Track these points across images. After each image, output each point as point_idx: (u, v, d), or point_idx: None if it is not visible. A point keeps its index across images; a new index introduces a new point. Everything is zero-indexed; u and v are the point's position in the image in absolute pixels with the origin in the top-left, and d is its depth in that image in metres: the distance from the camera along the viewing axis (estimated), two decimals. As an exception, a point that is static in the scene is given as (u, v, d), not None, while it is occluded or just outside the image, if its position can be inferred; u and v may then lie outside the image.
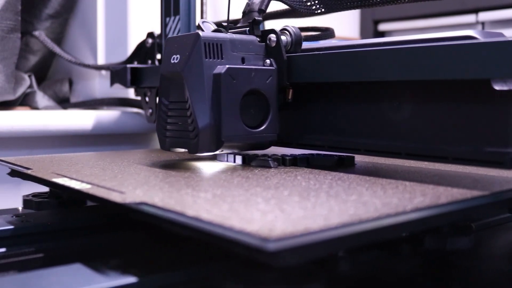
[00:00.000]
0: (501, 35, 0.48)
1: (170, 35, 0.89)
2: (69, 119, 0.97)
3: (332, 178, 0.51)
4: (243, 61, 0.58)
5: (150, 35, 0.94)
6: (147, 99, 0.94)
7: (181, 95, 0.57)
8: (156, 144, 1.07)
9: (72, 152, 0.89)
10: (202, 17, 0.90)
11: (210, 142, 0.56)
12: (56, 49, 1.07)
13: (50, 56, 1.15)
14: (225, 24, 0.61)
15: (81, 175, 0.53)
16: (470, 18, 1.43)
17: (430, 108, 0.51)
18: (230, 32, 0.60)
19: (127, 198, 0.42)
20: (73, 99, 1.14)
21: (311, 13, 0.62)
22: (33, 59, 1.11)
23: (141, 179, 0.51)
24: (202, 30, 0.60)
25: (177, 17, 0.89)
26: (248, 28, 0.61)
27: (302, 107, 0.61)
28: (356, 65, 0.53)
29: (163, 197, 0.42)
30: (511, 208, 0.53)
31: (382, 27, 1.59)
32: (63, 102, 1.13)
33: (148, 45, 0.95)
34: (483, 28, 1.41)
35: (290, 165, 0.59)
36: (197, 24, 0.89)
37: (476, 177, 0.52)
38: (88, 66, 1.05)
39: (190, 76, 0.56)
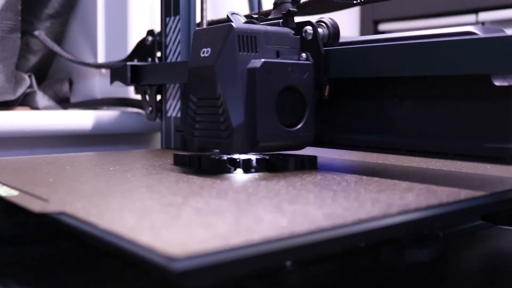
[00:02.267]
0: (501, 31, 0.48)
1: (170, 35, 0.88)
2: (69, 119, 0.96)
3: (284, 183, 0.47)
4: (278, 55, 0.55)
5: (150, 32, 0.93)
6: (147, 97, 0.92)
7: (213, 91, 0.53)
8: (156, 144, 1.07)
9: (72, 152, 0.89)
10: (202, 17, 0.88)
11: (244, 142, 0.52)
12: (56, 48, 1.05)
13: (50, 56, 1.13)
14: (256, 15, 0.57)
15: (19, 180, 0.50)
16: (470, 18, 1.44)
17: (430, 104, 0.51)
18: (262, 24, 0.56)
19: (49, 206, 0.38)
20: (73, 99, 1.13)
21: (349, 4, 0.58)
22: (33, 59, 1.10)
23: (78, 185, 0.48)
24: (232, 22, 0.56)
25: (177, 17, 0.88)
26: (281, 20, 0.57)
27: (339, 105, 0.59)
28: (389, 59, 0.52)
29: (88, 205, 0.39)
30: (483, 215, 0.53)
31: (382, 27, 1.58)
32: (63, 102, 1.11)
33: (148, 43, 0.93)
34: (483, 28, 1.41)
35: (247, 169, 0.54)
36: (200, 20, 0.87)
37: (443, 180, 0.49)
38: (88, 65, 1.04)
39: (222, 71, 0.52)
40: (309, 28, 0.56)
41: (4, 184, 0.48)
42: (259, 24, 0.56)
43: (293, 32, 0.57)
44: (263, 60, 0.52)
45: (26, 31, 1.05)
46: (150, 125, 1.00)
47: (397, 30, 1.56)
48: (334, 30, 0.56)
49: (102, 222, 0.34)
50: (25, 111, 0.95)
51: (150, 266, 0.27)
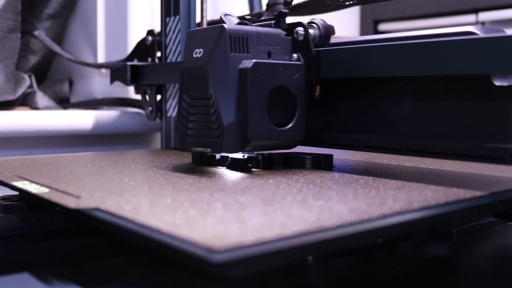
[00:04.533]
0: (501, 31, 0.48)
1: (170, 35, 0.89)
2: (69, 119, 0.96)
3: (304, 181, 0.49)
4: (269, 55, 0.55)
5: (150, 32, 0.93)
6: (147, 97, 0.93)
7: (205, 91, 0.54)
8: (156, 144, 1.07)
9: (72, 152, 0.88)
10: (202, 17, 0.89)
11: (235, 141, 0.53)
12: (56, 48, 1.06)
13: (50, 56, 1.14)
14: (248, 17, 0.58)
15: (45, 178, 0.51)
16: (470, 18, 1.43)
17: (430, 103, 0.51)
18: (254, 25, 0.57)
19: (82, 203, 0.40)
20: (73, 99, 1.14)
21: (339, 5, 0.59)
22: (33, 59, 1.10)
23: (105, 183, 0.49)
24: (224, 23, 0.57)
25: (177, 17, 0.88)
26: (273, 21, 0.58)
27: (329, 105, 0.59)
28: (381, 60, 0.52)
29: (120, 202, 0.40)
30: (495, 212, 0.53)
31: (382, 27, 1.58)
32: (63, 102, 1.12)
33: (148, 43, 0.94)
34: (483, 28, 1.41)
35: (265, 167, 0.57)
36: (200, 20, 0.88)
37: (457, 179, 0.50)
38: (88, 65, 1.05)
39: (214, 71, 0.53)
40: (300, 29, 0.57)
41: (32, 182, 0.49)
42: (251, 25, 0.57)
43: (284, 33, 0.57)
44: (254, 60, 0.53)
45: (26, 31, 1.06)
46: (150, 125, 1.01)
47: (397, 30, 1.56)
48: (325, 31, 0.57)
49: (139, 217, 0.35)
50: (25, 111, 0.95)
51: (189, 259, 0.29)
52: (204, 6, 0.90)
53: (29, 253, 0.49)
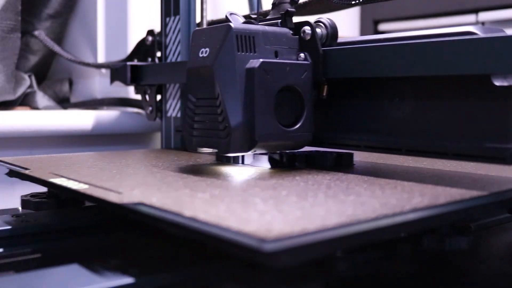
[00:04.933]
0: (501, 31, 0.48)
1: (170, 35, 0.89)
2: (69, 119, 0.96)
3: (330, 178, 0.50)
4: (276, 55, 0.55)
5: (150, 32, 0.93)
6: (147, 97, 0.93)
7: (211, 91, 0.53)
8: (156, 144, 1.07)
9: (72, 152, 0.89)
10: (202, 17, 0.89)
11: (242, 141, 0.53)
12: (56, 48, 1.05)
13: (50, 56, 1.14)
14: (254, 16, 0.57)
15: (79, 175, 0.52)
16: (470, 18, 1.43)
17: (431, 104, 0.51)
18: (261, 24, 0.56)
19: (124, 198, 0.41)
20: (73, 99, 1.14)
21: (345, 4, 0.58)
22: (33, 59, 1.10)
23: (139, 179, 0.51)
24: (230, 22, 0.56)
25: (177, 17, 0.88)
26: (280, 20, 0.57)
27: (330, 104, 0.59)
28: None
29: (161, 197, 0.42)
30: (511, 208, 0.53)
31: (382, 27, 1.58)
32: (63, 102, 1.12)
33: (148, 43, 0.94)
34: (483, 28, 1.41)
35: (288, 165, 0.58)
36: (200, 20, 0.87)
37: (475, 177, 0.52)
38: (88, 65, 1.04)
39: (221, 71, 0.52)
40: (307, 28, 0.56)
41: (69, 179, 0.50)
42: (257, 24, 0.56)
43: (291, 32, 0.57)
44: (261, 60, 0.52)
45: (26, 31, 1.06)
46: (150, 125, 1.00)
47: (397, 30, 1.56)
48: (333, 30, 0.56)
49: (184, 211, 0.36)
50: (25, 111, 0.95)
51: (240, 249, 0.30)
52: (204, 6, 0.90)
53: (69, 247, 0.51)
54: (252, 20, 0.57)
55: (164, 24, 0.90)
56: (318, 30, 0.56)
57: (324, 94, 0.57)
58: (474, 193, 0.43)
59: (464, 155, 0.49)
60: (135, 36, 1.04)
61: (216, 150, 0.54)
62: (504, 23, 1.39)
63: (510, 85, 0.44)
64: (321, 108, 0.58)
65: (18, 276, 0.40)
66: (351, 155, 0.60)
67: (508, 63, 0.43)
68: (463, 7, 1.43)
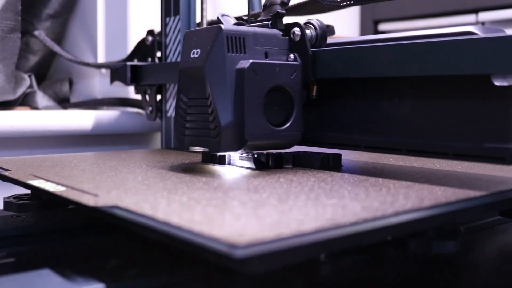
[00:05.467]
0: (501, 31, 0.48)
1: (170, 35, 0.89)
2: (69, 119, 0.96)
3: (315, 180, 0.50)
4: (266, 55, 0.56)
5: (150, 32, 0.94)
6: (147, 97, 0.93)
7: (202, 91, 0.54)
8: (156, 144, 1.07)
9: (72, 152, 0.89)
10: (202, 17, 0.89)
11: (232, 140, 0.53)
12: (56, 48, 1.06)
13: (50, 56, 1.14)
14: (245, 17, 0.58)
15: (59, 177, 0.52)
16: (470, 18, 1.43)
17: (430, 104, 0.51)
18: (251, 26, 0.57)
19: (100, 201, 0.41)
20: (73, 99, 1.14)
21: (335, 6, 0.59)
22: (33, 59, 1.10)
23: (119, 181, 0.50)
24: (222, 24, 0.57)
25: (177, 17, 0.89)
26: (270, 22, 0.58)
27: (326, 104, 0.59)
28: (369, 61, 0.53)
29: (137, 200, 0.41)
30: (502, 210, 0.53)
31: (382, 27, 1.58)
32: (63, 102, 1.12)
33: (148, 43, 0.94)
34: (483, 28, 1.41)
35: (275, 165, 0.58)
36: (200, 20, 0.88)
37: (465, 178, 0.51)
38: (88, 65, 1.05)
39: (211, 71, 0.53)
40: (297, 30, 0.57)
41: (48, 181, 0.50)
42: (248, 25, 0.57)
43: (281, 33, 0.58)
44: (251, 60, 0.53)
45: (26, 31, 1.06)
46: (150, 125, 1.01)
47: (397, 30, 1.56)
48: (322, 32, 0.57)
49: (158, 214, 0.36)
50: (25, 111, 0.95)
51: (211, 255, 0.30)
52: (204, 6, 0.90)
53: (47, 250, 0.50)
54: (243, 22, 0.57)
55: (164, 24, 0.90)
56: (307, 31, 0.57)
57: (314, 94, 0.58)
58: (461, 195, 0.42)
59: (464, 155, 0.49)
60: (135, 36, 1.04)
61: (207, 149, 0.55)
62: (504, 23, 1.38)
63: (510, 85, 0.44)
64: (322, 107, 0.59)
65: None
66: (339, 156, 0.60)
67: (508, 63, 0.43)
68: (463, 7, 1.43)
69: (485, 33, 0.47)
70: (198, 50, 0.54)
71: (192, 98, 0.56)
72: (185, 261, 0.43)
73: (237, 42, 0.54)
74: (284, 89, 0.56)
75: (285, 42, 0.57)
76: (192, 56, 0.55)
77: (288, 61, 0.57)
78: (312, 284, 0.42)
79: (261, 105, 0.54)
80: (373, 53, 0.52)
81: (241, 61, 0.54)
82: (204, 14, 0.90)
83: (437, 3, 1.47)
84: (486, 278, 0.46)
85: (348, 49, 0.54)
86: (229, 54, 0.53)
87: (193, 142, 0.57)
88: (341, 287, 0.42)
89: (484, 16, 1.41)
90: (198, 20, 0.90)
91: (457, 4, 1.43)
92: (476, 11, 1.42)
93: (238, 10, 0.61)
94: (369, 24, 1.58)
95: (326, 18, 0.86)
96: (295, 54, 0.57)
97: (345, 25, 1.54)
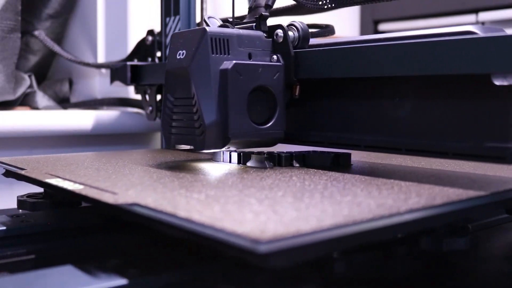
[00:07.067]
0: (501, 30, 0.48)
1: (170, 35, 0.89)
2: (69, 119, 0.96)
3: (327, 178, 0.50)
4: (250, 56, 0.57)
5: (150, 32, 0.94)
6: (147, 97, 0.93)
7: (187, 91, 0.56)
8: (156, 144, 1.08)
9: (72, 152, 0.89)
10: (202, 17, 0.90)
11: (216, 138, 0.55)
12: (56, 48, 1.06)
13: (50, 56, 1.14)
14: (231, 19, 0.60)
15: (75, 175, 0.53)
16: (470, 18, 1.43)
17: (431, 103, 0.51)
18: (236, 28, 0.59)
19: (119, 199, 0.41)
20: (73, 99, 1.14)
21: (319, 8, 0.61)
22: (33, 59, 1.11)
23: (135, 180, 0.51)
24: (208, 26, 0.59)
25: (177, 17, 0.89)
26: (254, 24, 0.60)
27: (308, 104, 0.61)
28: (357, 61, 0.53)
29: (156, 198, 0.41)
30: (509, 209, 0.53)
31: (382, 27, 1.58)
32: (63, 102, 1.12)
33: (148, 42, 0.95)
34: (483, 28, 1.41)
35: (286, 164, 0.59)
36: (200, 20, 0.89)
37: (473, 177, 0.52)
38: (88, 65, 1.05)
39: (196, 72, 0.55)
40: (280, 31, 0.59)
41: (65, 179, 0.50)
42: (233, 27, 0.59)
43: (265, 35, 0.59)
44: (234, 61, 0.55)
45: (26, 31, 1.06)
46: (150, 125, 1.01)
47: (397, 30, 1.56)
48: (304, 33, 0.59)
49: (179, 211, 0.37)
50: (25, 111, 0.96)
51: (234, 250, 0.30)
52: (204, 6, 0.91)
53: (68, 247, 0.51)
54: (228, 24, 0.59)
55: (164, 24, 0.91)
56: (290, 33, 0.59)
57: (297, 94, 0.59)
58: (471, 193, 0.43)
59: (464, 155, 0.49)
60: (135, 36, 1.05)
61: (192, 147, 0.57)
62: (504, 23, 1.38)
63: (510, 84, 0.44)
64: (322, 107, 0.60)
65: (9, 278, 0.40)
66: (349, 155, 0.61)
67: (508, 63, 0.43)
68: (463, 7, 1.43)
69: (485, 32, 0.47)
70: (184, 51, 0.56)
71: (178, 98, 0.57)
72: (203, 256, 0.43)
73: (221, 44, 0.55)
74: (267, 89, 0.57)
75: (269, 43, 0.59)
76: (178, 57, 0.56)
77: (271, 62, 0.58)
78: (324, 280, 0.42)
79: (244, 105, 0.55)
80: (354, 54, 0.53)
81: (225, 62, 0.55)
82: (204, 14, 0.90)
83: (437, 3, 1.47)
84: (493, 276, 0.47)
85: (329, 50, 0.56)
86: (213, 55, 0.55)
87: (179, 140, 0.58)
88: (352, 283, 0.43)
89: (484, 16, 1.41)
90: (198, 20, 0.91)
91: (457, 4, 1.43)
92: (476, 11, 1.42)
93: (238, 10, 0.62)
94: (369, 24, 1.58)
95: (326, 18, 0.88)
96: (278, 55, 0.59)
97: (345, 25, 1.55)
